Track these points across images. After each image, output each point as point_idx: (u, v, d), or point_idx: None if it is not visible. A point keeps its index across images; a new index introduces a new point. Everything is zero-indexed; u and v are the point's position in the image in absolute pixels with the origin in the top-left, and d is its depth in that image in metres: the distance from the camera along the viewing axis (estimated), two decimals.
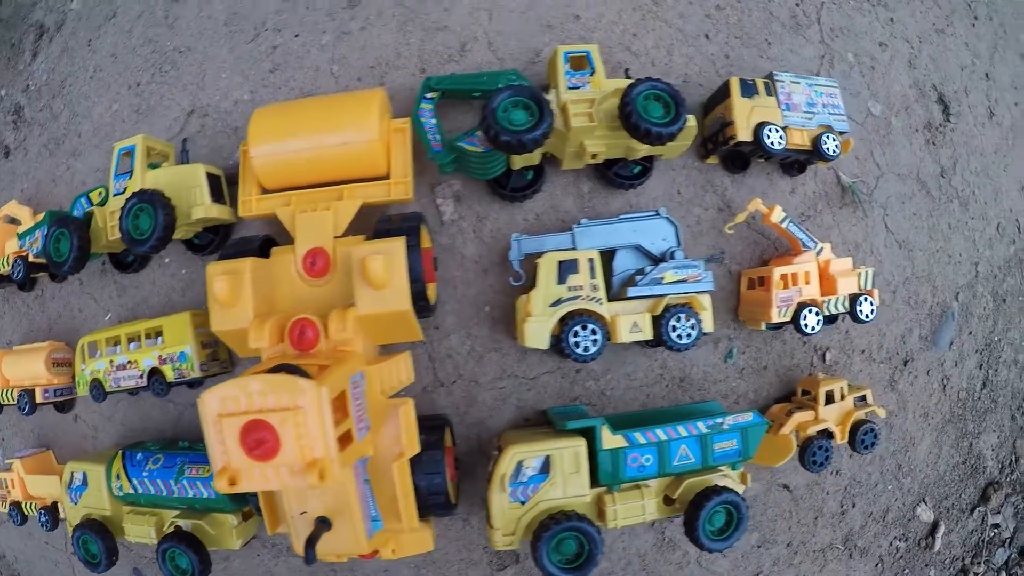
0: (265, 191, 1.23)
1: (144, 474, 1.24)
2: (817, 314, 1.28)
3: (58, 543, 1.54)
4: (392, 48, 1.35)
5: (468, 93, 1.22)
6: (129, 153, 1.28)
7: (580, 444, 1.08)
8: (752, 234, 1.39)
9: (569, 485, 1.07)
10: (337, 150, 1.15)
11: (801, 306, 1.27)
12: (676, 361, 1.33)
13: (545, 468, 1.07)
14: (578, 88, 1.13)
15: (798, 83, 1.33)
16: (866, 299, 1.32)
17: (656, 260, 1.22)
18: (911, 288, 1.55)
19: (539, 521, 1.05)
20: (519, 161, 1.18)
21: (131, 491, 1.25)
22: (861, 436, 1.33)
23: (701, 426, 1.12)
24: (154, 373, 1.29)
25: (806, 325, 1.27)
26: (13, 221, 1.49)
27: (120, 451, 1.29)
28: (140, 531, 1.24)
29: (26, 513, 1.45)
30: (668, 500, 1.14)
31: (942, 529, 1.62)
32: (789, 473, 1.46)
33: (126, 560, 1.44)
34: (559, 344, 1.11)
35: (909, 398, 1.56)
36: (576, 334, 1.10)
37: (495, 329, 1.26)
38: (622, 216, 1.23)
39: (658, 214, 1.24)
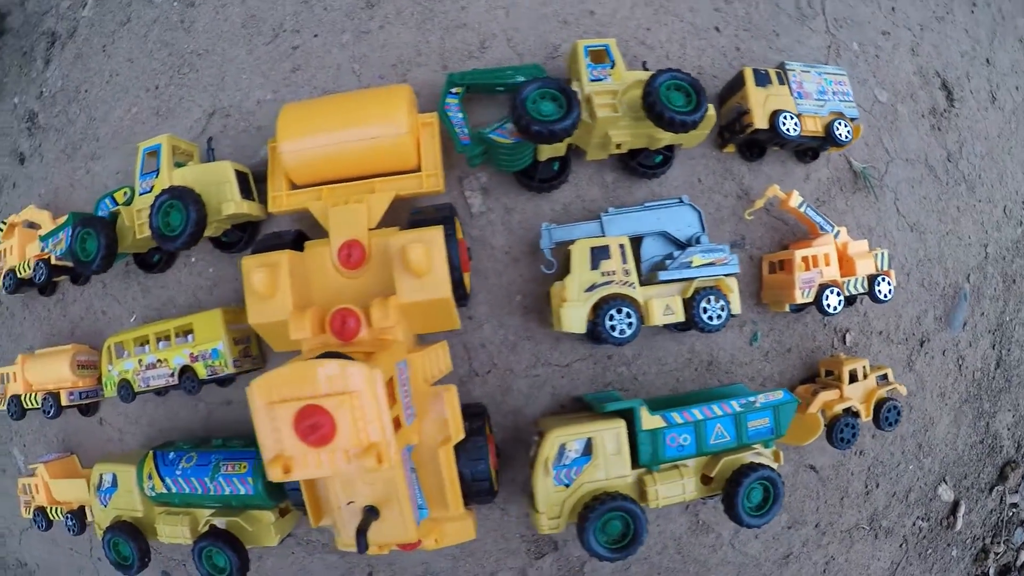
0: (294, 187, 1.24)
1: (177, 473, 1.23)
2: (839, 294, 1.31)
3: (82, 548, 1.52)
4: (412, 46, 1.37)
5: (491, 88, 1.24)
6: (154, 153, 1.28)
7: (620, 426, 1.09)
8: (771, 220, 1.42)
9: (611, 466, 1.09)
10: (367, 144, 1.16)
11: (823, 287, 1.30)
12: (704, 345, 1.35)
13: (587, 450, 1.09)
14: (600, 80, 1.15)
15: (808, 72, 1.38)
16: (884, 279, 1.35)
17: (682, 246, 1.25)
18: (924, 270, 1.58)
19: (584, 503, 1.06)
20: (546, 152, 1.20)
21: (164, 491, 1.23)
22: (885, 413, 1.36)
23: (735, 405, 1.14)
24: (185, 371, 1.28)
25: (828, 305, 1.30)
26: (32, 226, 1.48)
27: (151, 451, 1.28)
28: (174, 531, 1.22)
29: (51, 518, 1.43)
30: (706, 479, 1.15)
31: (963, 508, 1.65)
32: (815, 454, 1.48)
33: (155, 563, 1.43)
34: (594, 329, 1.13)
35: (927, 378, 1.59)
36: (612, 317, 1.11)
37: (527, 318, 1.28)
38: (647, 204, 1.26)
39: (682, 201, 1.27)
